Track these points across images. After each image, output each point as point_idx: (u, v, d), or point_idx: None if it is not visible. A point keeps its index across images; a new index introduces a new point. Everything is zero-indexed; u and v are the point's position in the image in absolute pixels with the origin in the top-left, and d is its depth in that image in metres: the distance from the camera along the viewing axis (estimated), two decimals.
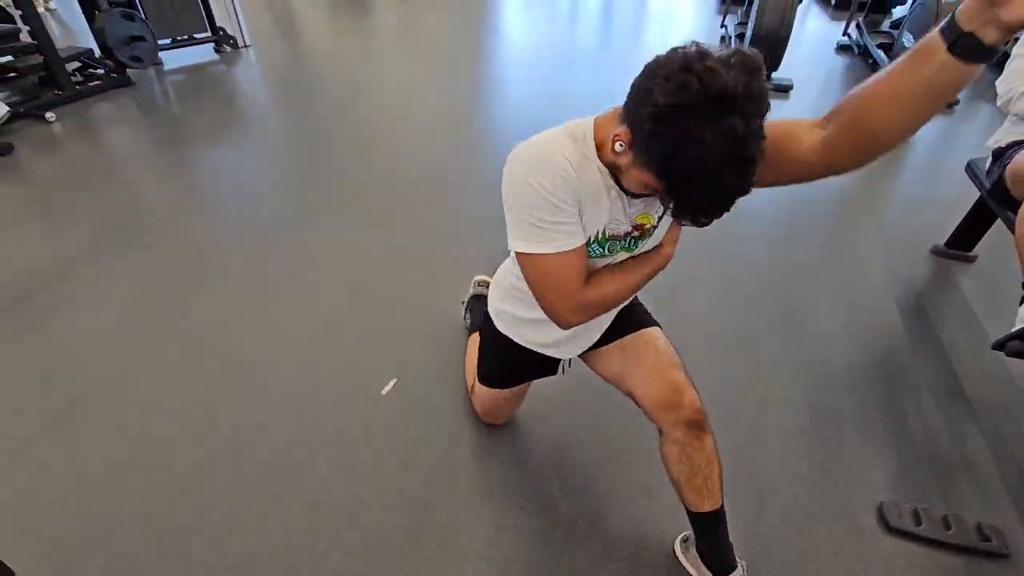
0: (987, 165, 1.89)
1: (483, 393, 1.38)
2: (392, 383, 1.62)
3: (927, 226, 2.37)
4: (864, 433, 1.51)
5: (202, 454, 1.42)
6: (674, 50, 0.68)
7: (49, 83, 3.61)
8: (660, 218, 0.95)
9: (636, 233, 0.94)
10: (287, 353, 1.74)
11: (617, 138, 0.76)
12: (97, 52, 3.98)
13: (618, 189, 0.86)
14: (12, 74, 3.51)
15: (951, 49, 0.59)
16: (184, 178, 2.86)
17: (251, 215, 2.50)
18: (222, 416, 1.52)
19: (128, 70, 3.96)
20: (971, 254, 2.18)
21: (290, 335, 1.81)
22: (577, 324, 0.94)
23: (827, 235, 2.43)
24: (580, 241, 0.86)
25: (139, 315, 1.89)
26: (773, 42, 3.72)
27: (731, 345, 1.80)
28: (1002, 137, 1.80)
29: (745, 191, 0.70)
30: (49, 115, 3.36)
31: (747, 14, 4.56)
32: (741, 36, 4.42)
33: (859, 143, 0.70)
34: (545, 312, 0.92)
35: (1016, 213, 1.47)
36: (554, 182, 0.80)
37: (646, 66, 0.71)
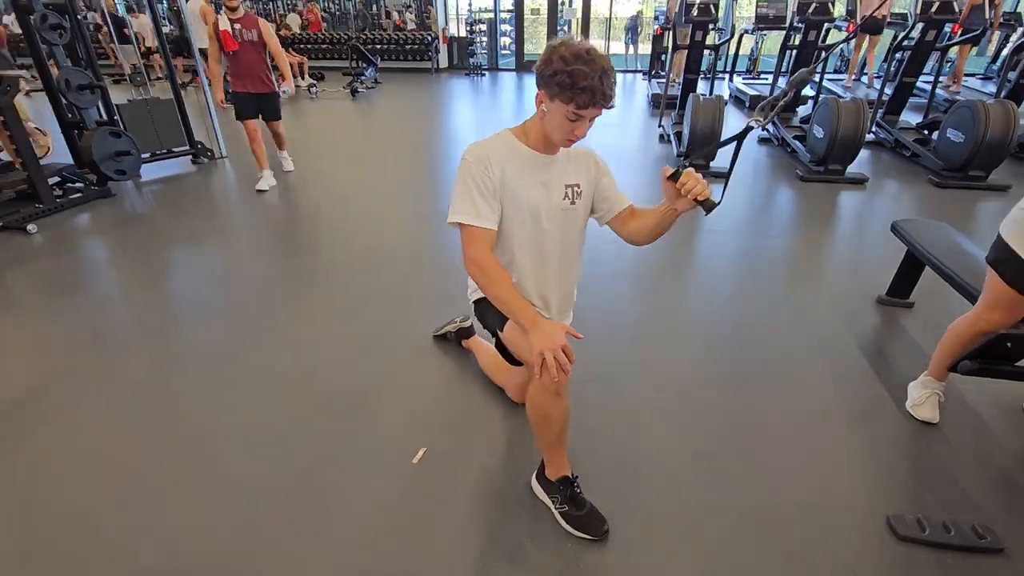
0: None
1: (516, 373, 1.73)
2: (422, 452, 1.68)
3: (867, 279, 2.72)
4: (855, 458, 1.67)
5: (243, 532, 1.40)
6: (555, 43, 1.21)
7: (30, 197, 3.67)
8: (579, 192, 1.40)
9: (570, 197, 1.39)
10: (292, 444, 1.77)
11: (537, 99, 1.26)
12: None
13: (547, 156, 1.36)
14: None
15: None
16: (164, 283, 2.92)
17: (236, 313, 2.57)
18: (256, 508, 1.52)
19: (109, 182, 4.08)
20: (909, 300, 2.51)
21: (284, 436, 1.85)
22: (469, 271, 1.35)
23: (781, 294, 2.73)
24: (489, 225, 1.32)
25: (126, 427, 1.87)
26: (707, 139, 4.30)
27: (716, 388, 1.97)
28: None
29: (593, 77, 1.16)
30: (31, 227, 3.39)
31: (681, 116, 5.26)
32: (679, 134, 5.06)
33: (633, 244, 1.47)
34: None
35: None
36: (478, 156, 1.31)
37: (542, 57, 1.22)
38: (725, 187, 1.25)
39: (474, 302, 1.57)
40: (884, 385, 2.00)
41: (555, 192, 1.37)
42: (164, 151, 4.73)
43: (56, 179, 3.95)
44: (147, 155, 4.52)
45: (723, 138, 1.33)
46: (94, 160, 3.88)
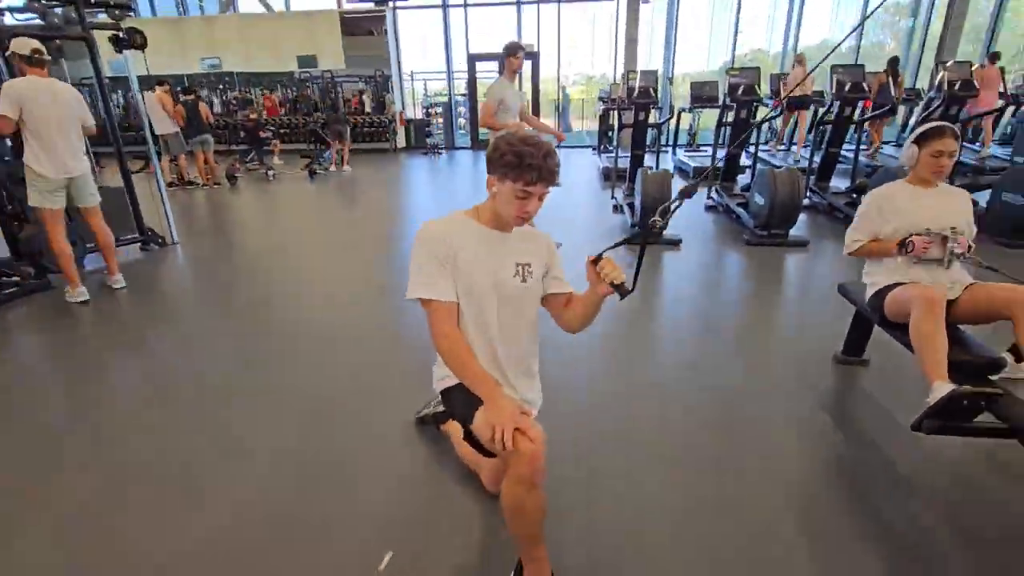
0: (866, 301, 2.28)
1: (489, 462, 1.66)
2: (388, 556, 1.54)
3: (821, 339, 2.80)
4: (834, 524, 1.64)
5: None
6: (501, 133, 1.33)
7: None
8: (530, 272, 1.42)
9: (520, 274, 1.41)
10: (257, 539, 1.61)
11: (489, 183, 1.34)
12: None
13: (499, 232, 1.40)
14: None
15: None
16: (110, 380, 2.74)
17: (187, 410, 2.41)
18: None
19: (49, 274, 3.88)
20: (864, 358, 2.58)
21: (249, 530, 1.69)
22: (437, 346, 1.39)
23: (743, 358, 2.78)
24: (449, 297, 1.35)
25: (78, 539, 1.69)
26: (658, 208, 4.49)
27: (691, 449, 1.93)
28: (869, 285, 2.27)
29: (539, 157, 1.25)
30: None
31: (631, 188, 5.52)
32: (631, 204, 5.29)
33: (568, 331, 1.50)
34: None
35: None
36: (431, 233, 1.36)
37: (491, 145, 1.32)
38: (636, 278, 1.29)
39: (441, 392, 1.52)
40: (853, 443, 2.01)
41: (506, 270, 1.39)
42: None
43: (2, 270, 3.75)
44: (92, 244, 4.35)
45: (614, 242, 1.44)
46: (33, 252, 3.71)
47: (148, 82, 7.38)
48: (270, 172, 8.85)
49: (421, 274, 1.34)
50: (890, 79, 7.00)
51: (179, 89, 8.49)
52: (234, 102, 12.24)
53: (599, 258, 1.32)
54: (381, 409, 2.31)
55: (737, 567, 1.51)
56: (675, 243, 4.61)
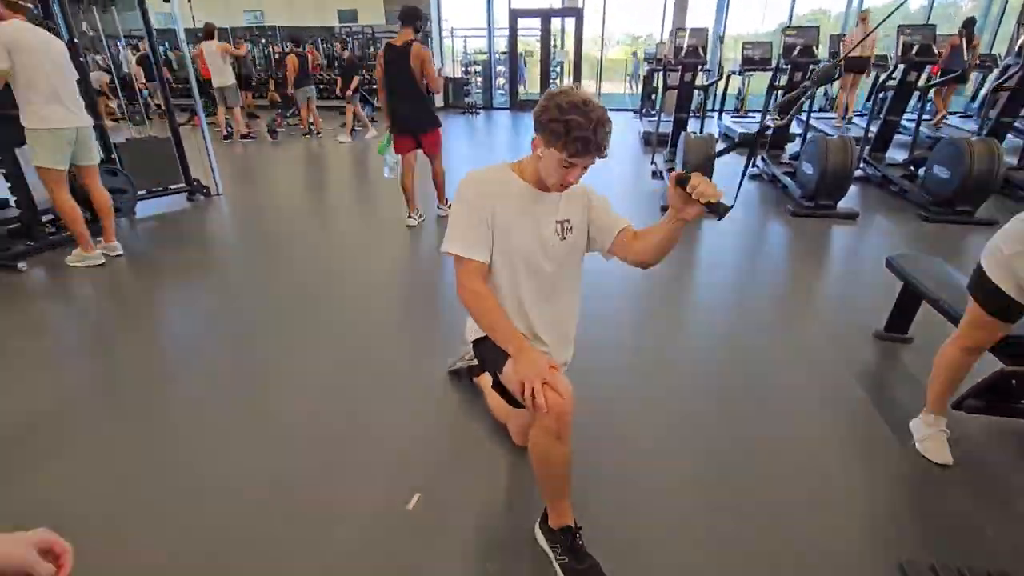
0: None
1: (518, 415, 1.67)
2: (416, 497, 1.62)
3: (864, 315, 2.71)
4: (865, 501, 1.62)
5: None
6: (554, 92, 1.23)
7: (21, 234, 3.64)
8: (571, 228, 1.40)
9: (561, 232, 1.39)
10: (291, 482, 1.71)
11: (534, 144, 1.29)
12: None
13: (538, 191, 1.36)
14: None
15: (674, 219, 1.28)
16: (154, 323, 2.89)
17: (230, 355, 2.52)
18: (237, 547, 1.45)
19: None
20: (908, 336, 2.49)
21: (288, 468, 1.79)
22: (461, 299, 1.36)
23: (780, 331, 2.72)
24: (482, 258, 1.34)
25: (118, 469, 1.81)
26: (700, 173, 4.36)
27: (719, 428, 1.93)
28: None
29: (588, 128, 1.18)
30: (21, 265, 3.35)
31: (672, 154, 5.36)
32: (672, 170, 5.13)
33: (642, 265, 1.41)
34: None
35: None
36: (474, 187, 1.34)
37: (540, 103, 1.24)
38: (739, 190, 1.26)
39: (473, 343, 1.54)
40: (889, 424, 1.96)
41: (545, 228, 1.37)
42: (160, 188, 4.74)
43: (50, 216, 3.93)
44: (143, 192, 4.53)
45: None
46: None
47: (193, 35, 7.47)
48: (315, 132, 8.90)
49: (458, 229, 1.34)
50: (964, 42, 6.48)
51: (290, 42, 8.39)
52: (277, 56, 12.28)
53: (686, 177, 1.20)
54: (416, 359, 2.38)
55: (760, 546, 1.52)
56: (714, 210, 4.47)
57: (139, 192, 4.39)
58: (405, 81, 3.82)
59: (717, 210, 1.18)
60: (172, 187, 4.83)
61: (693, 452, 1.84)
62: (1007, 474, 1.74)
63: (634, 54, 13.73)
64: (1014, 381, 1.53)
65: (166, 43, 11.64)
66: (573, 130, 1.17)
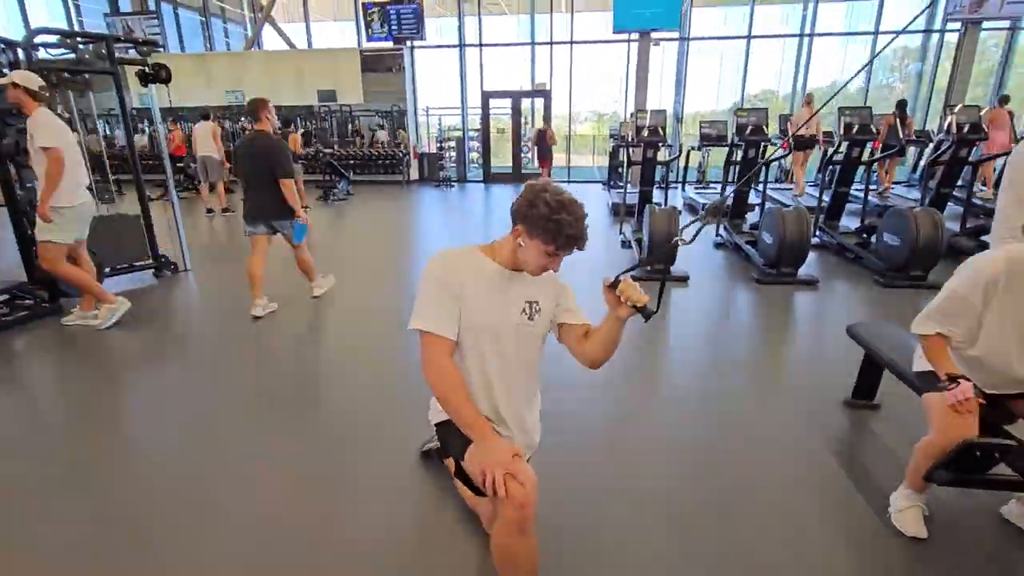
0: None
1: (484, 503, 1.62)
2: None
3: (832, 381, 2.73)
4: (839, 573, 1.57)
5: None
6: (534, 186, 1.29)
7: None
8: (538, 310, 1.41)
9: (528, 312, 1.39)
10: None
11: (516, 234, 1.31)
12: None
13: (512, 272, 1.38)
14: None
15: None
16: (117, 407, 2.75)
17: (197, 435, 2.40)
18: None
19: (62, 298, 3.95)
20: (875, 402, 2.51)
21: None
22: (426, 378, 1.33)
23: (751, 399, 2.72)
24: (449, 334, 1.32)
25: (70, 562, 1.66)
26: (665, 245, 4.51)
27: (694, 507, 1.87)
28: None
29: (577, 227, 1.27)
30: None
31: (639, 223, 5.55)
32: (639, 240, 5.30)
33: (592, 364, 1.45)
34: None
35: None
36: (442, 265, 1.35)
37: (526, 192, 1.29)
38: (660, 298, 1.33)
39: (436, 426, 1.49)
40: (863, 494, 1.94)
41: (514, 307, 1.37)
42: (126, 265, 4.66)
43: (4, 296, 3.81)
44: (106, 269, 4.44)
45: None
46: (51, 277, 3.78)
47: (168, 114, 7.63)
48: None
49: (426, 306, 1.33)
50: (898, 121, 7.05)
51: (279, 123, 8.82)
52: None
53: (616, 281, 1.31)
54: (391, 439, 2.29)
55: None
56: (683, 279, 4.59)
57: (104, 270, 4.30)
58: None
59: (644, 313, 1.28)
60: (139, 263, 4.75)
61: (668, 526, 1.77)
62: (982, 551, 1.71)
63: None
64: (977, 452, 1.54)
65: (145, 120, 11.87)
66: (564, 228, 1.24)
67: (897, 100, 7.58)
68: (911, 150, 9.60)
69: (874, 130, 5.39)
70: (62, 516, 1.86)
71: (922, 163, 9.42)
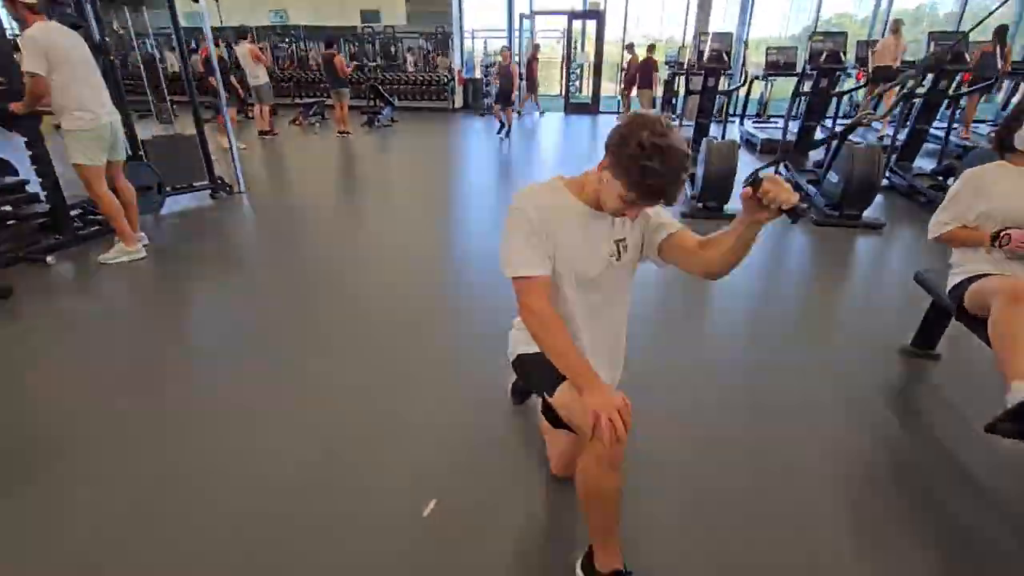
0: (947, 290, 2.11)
1: (559, 439, 1.62)
2: (432, 503, 1.61)
3: (889, 330, 2.65)
4: (898, 527, 1.59)
5: None
6: (637, 119, 1.12)
7: (50, 228, 3.72)
8: (626, 247, 1.34)
9: (617, 252, 1.33)
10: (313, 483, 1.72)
11: (602, 166, 1.19)
12: None
13: (595, 210, 1.28)
14: (12, 221, 3.62)
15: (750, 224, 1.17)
16: (179, 318, 2.94)
17: (250, 355, 2.53)
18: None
19: None
20: (935, 352, 2.43)
21: (307, 468, 1.80)
22: (526, 324, 1.29)
23: (803, 344, 2.67)
24: (545, 271, 1.26)
25: (142, 465, 1.83)
26: (722, 181, 4.32)
27: (743, 452, 1.90)
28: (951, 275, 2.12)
29: (667, 178, 1.10)
30: (50, 259, 3.43)
31: (694, 158, 5.30)
32: (692, 176, 5.08)
33: (709, 275, 1.31)
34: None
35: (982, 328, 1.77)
36: (528, 204, 1.25)
37: (626, 124, 1.13)
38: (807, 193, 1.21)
39: (514, 361, 1.48)
40: (914, 447, 1.92)
41: (603, 248, 1.31)
42: (185, 185, 4.82)
43: (77, 211, 4.02)
44: (168, 188, 4.60)
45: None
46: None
47: (221, 33, 7.56)
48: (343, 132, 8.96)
49: (516, 249, 1.25)
50: (997, 49, 6.32)
51: (323, 43, 8.58)
52: (301, 55, 12.43)
53: (758, 180, 1.11)
54: (454, 375, 2.38)
55: (786, 562, 1.49)
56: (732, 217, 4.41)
57: (165, 188, 4.46)
58: None
59: (793, 213, 1.09)
60: (196, 184, 4.90)
61: (719, 468, 1.81)
62: None
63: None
64: None
65: (195, 39, 11.84)
66: (648, 177, 1.09)
67: (997, 26, 6.76)
68: (1005, 83, 8.63)
69: (967, 59, 4.86)
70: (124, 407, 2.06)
71: (1016, 98, 8.51)
